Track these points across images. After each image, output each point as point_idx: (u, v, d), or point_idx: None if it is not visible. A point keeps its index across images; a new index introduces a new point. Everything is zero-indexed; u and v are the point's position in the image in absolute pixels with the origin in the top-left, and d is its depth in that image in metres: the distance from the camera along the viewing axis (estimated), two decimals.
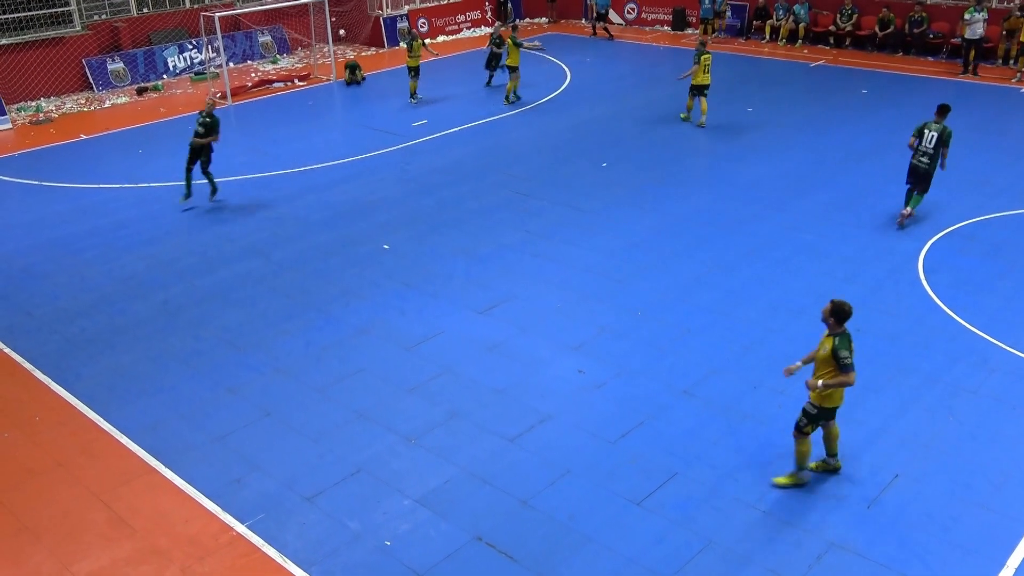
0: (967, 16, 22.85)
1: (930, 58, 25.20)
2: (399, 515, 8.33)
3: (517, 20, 32.39)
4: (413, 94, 22.46)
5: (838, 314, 8.01)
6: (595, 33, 29.77)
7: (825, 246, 13.68)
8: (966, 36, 23.08)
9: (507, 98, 21.97)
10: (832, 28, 26.80)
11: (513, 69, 21.66)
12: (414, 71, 22.24)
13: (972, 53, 23.18)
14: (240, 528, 8.23)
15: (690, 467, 8.84)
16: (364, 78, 25.00)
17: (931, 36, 25.35)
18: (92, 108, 22.97)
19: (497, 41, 22.92)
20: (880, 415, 9.60)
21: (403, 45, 21.41)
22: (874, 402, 9.81)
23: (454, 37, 30.62)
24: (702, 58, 18.90)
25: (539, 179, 16.84)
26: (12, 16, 23.01)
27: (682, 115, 20.19)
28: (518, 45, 21.52)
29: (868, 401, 9.82)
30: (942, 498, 8.39)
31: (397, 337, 11.42)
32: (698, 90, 19.38)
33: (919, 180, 14.00)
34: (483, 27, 31.47)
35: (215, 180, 15.93)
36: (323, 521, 8.28)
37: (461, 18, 31.29)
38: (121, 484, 8.89)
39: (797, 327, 11.37)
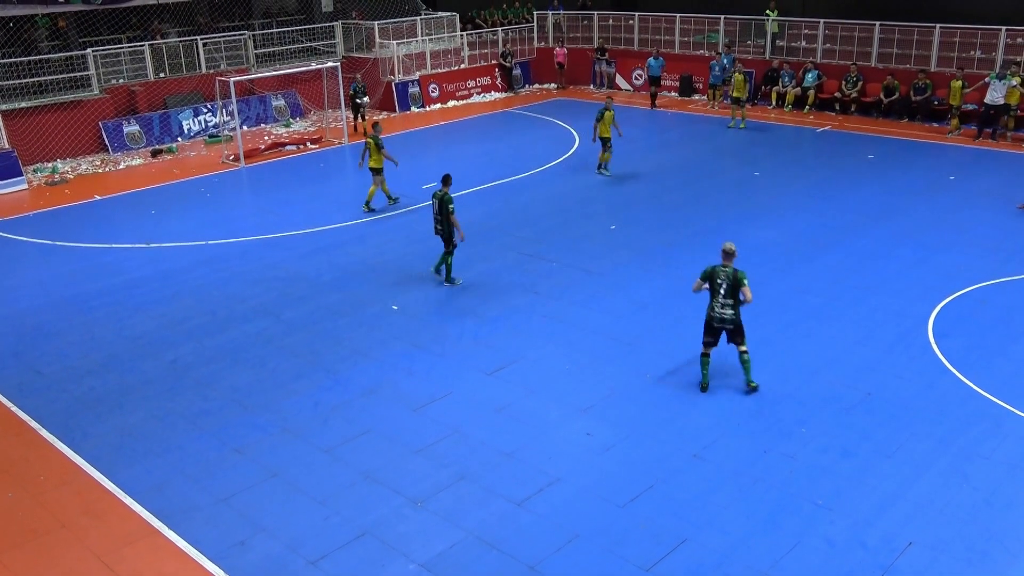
0: (992, 81, 23.12)
1: (935, 124, 25.43)
2: None
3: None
4: (602, 165, 21.33)
5: None
6: (654, 105, 29.22)
7: (834, 309, 13.66)
8: (985, 100, 23.27)
9: (389, 199, 19.32)
10: (838, 94, 27.14)
11: (376, 171, 18.70)
12: (605, 142, 21.00)
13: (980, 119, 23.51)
14: None
15: (700, 532, 8.71)
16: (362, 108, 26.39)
17: (936, 103, 25.62)
18: (107, 169, 23.31)
19: None
20: (893, 481, 9.46)
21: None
22: (887, 467, 9.68)
23: (464, 102, 31.10)
24: (734, 76, 25.80)
25: (548, 241, 16.94)
26: (33, 80, 23.52)
27: (730, 124, 25.98)
28: (379, 147, 18.47)
29: (880, 466, 9.70)
30: (958, 565, 8.22)
31: (405, 398, 11.38)
32: (736, 101, 25.87)
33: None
34: (493, 92, 31.98)
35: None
36: None
37: (472, 83, 31.83)
38: (125, 545, 8.80)
39: (808, 391, 11.29)
